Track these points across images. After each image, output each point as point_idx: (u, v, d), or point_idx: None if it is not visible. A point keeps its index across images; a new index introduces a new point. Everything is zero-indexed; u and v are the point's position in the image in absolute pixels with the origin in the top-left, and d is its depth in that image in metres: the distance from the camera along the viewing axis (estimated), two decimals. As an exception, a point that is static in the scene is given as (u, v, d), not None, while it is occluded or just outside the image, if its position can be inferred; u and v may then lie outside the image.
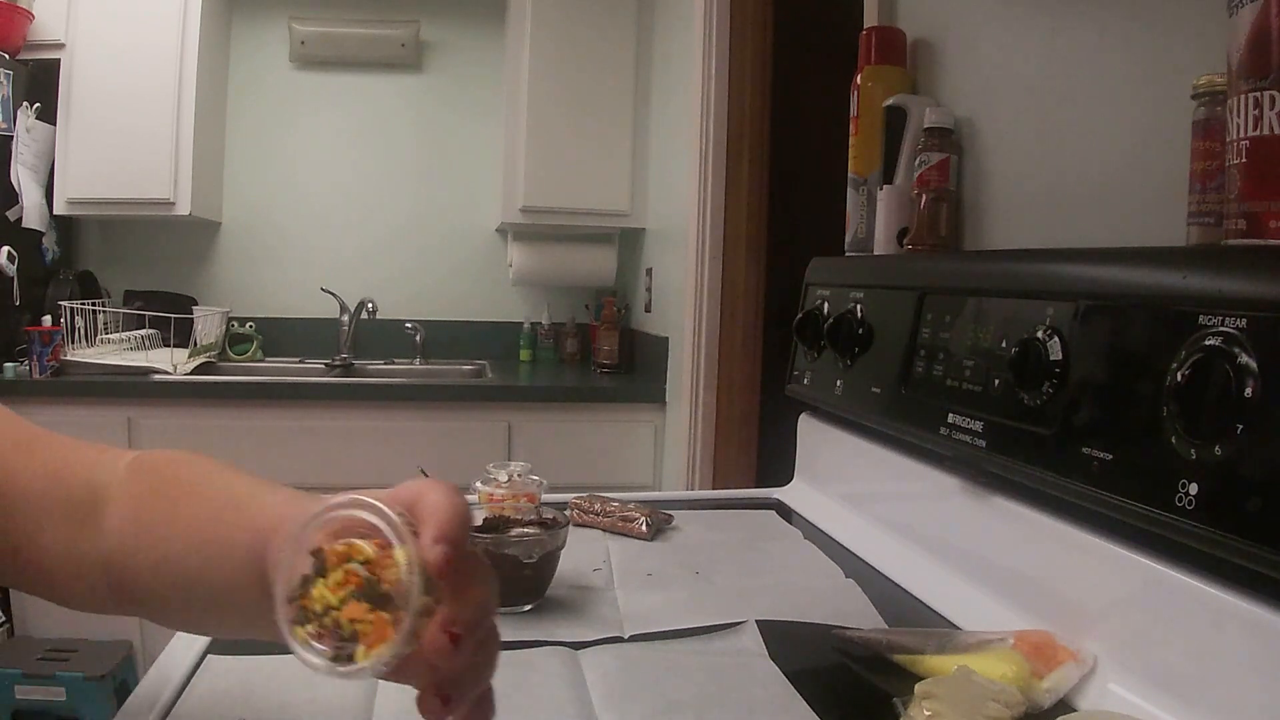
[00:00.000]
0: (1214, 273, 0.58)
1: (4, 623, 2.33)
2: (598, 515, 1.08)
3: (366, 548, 0.39)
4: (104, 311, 2.74)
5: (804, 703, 0.65)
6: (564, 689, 0.66)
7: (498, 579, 0.43)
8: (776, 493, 1.27)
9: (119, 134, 2.67)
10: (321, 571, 0.39)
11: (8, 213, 2.53)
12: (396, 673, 0.40)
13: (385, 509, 0.40)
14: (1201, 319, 0.57)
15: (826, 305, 1.15)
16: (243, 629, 0.49)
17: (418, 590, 0.38)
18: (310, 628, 0.39)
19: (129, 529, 0.51)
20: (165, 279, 3.04)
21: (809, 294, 1.21)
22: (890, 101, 1.18)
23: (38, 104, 2.62)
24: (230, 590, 0.47)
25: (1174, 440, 0.57)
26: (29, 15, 2.62)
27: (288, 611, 0.39)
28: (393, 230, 3.18)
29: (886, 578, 0.94)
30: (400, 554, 0.39)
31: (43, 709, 2.22)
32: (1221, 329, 0.55)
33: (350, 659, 0.38)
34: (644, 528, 1.05)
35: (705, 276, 2.25)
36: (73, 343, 2.55)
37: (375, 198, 3.17)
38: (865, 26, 1.32)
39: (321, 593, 0.39)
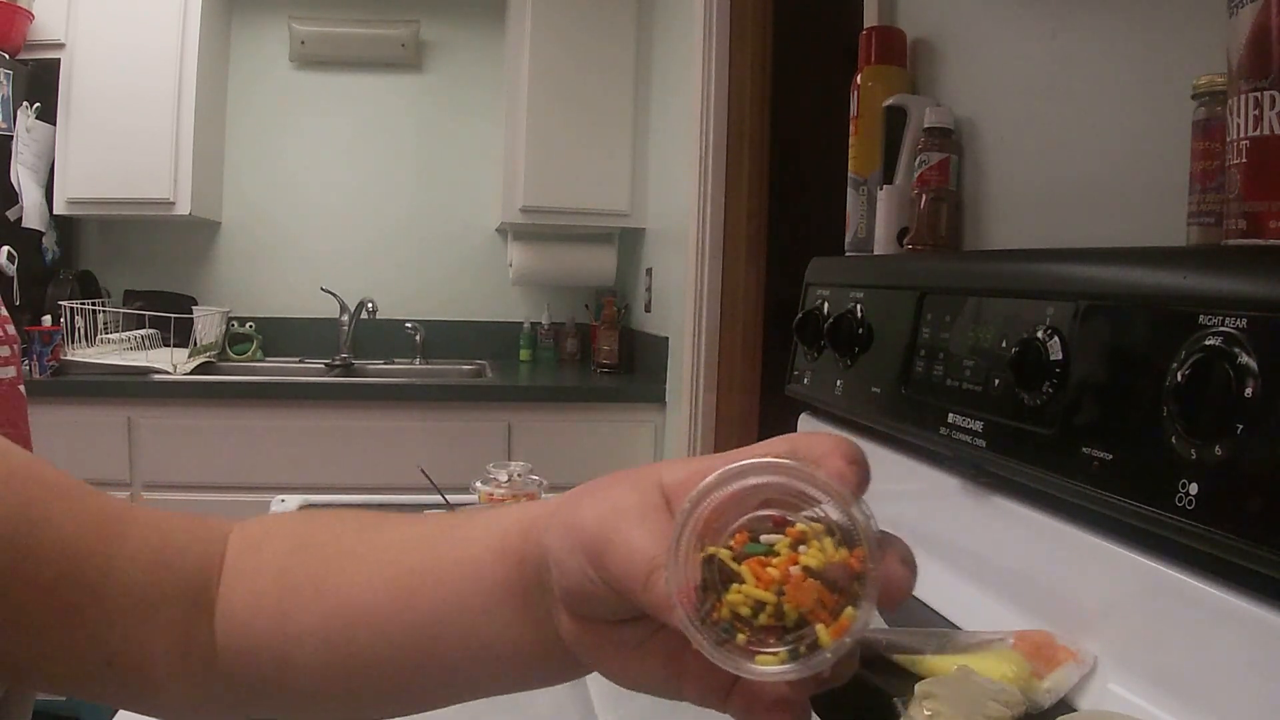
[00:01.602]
0: (1214, 273, 0.58)
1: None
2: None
3: (768, 514, 0.33)
4: (104, 311, 2.74)
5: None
6: (564, 689, 0.66)
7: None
8: (776, 493, 1.27)
9: (119, 134, 2.67)
10: (725, 575, 0.32)
11: (8, 213, 2.53)
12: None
13: (780, 461, 0.33)
14: (1201, 319, 0.57)
15: (826, 305, 1.15)
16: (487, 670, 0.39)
17: (860, 514, 0.32)
18: (741, 638, 0.32)
19: (268, 604, 0.42)
20: (165, 279, 3.04)
21: (809, 294, 1.21)
22: (890, 101, 1.18)
23: (38, 104, 2.62)
24: (468, 612, 0.38)
25: (1174, 440, 0.57)
26: (29, 15, 2.62)
27: (707, 635, 0.32)
28: (393, 230, 3.18)
29: (886, 578, 0.94)
30: (823, 494, 0.32)
31: (42, 709, 2.22)
32: (1221, 329, 0.55)
33: (814, 647, 0.31)
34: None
35: (705, 276, 2.25)
36: (73, 342, 2.55)
37: (375, 198, 3.17)
38: (865, 26, 1.32)
39: (742, 594, 0.32)
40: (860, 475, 0.33)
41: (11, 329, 1.49)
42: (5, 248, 2.46)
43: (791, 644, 0.32)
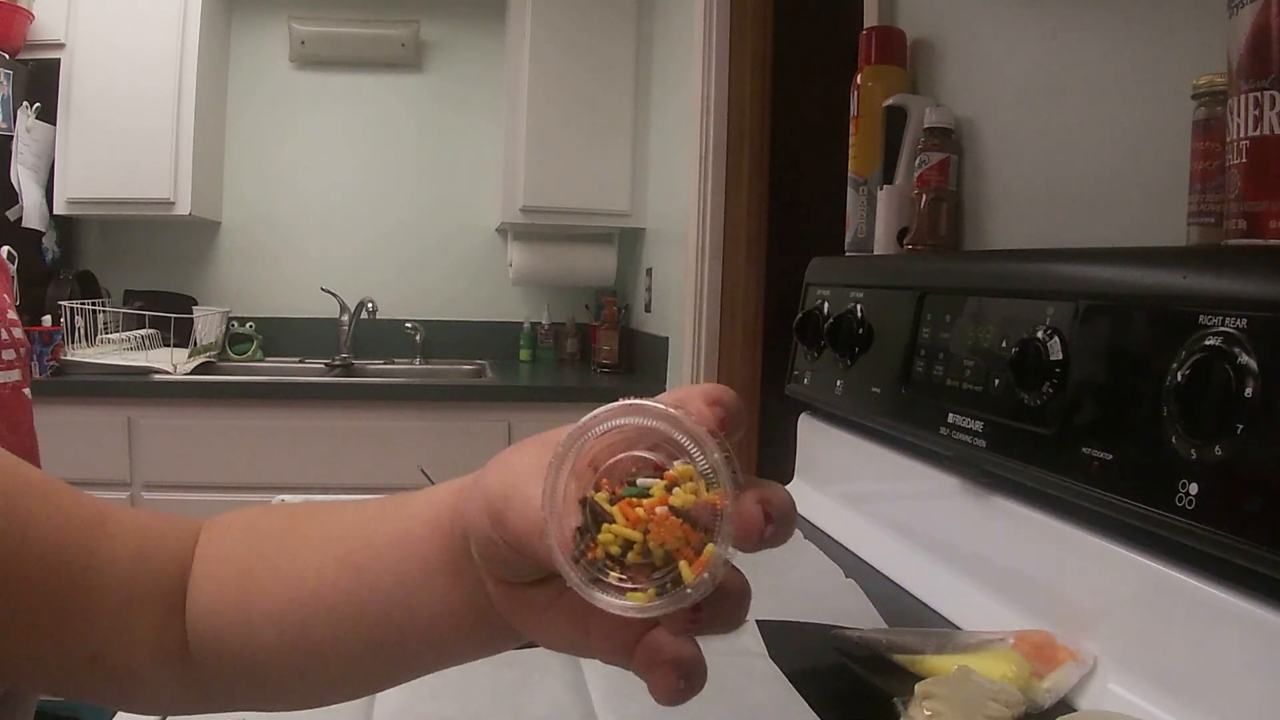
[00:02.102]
0: (1214, 273, 0.58)
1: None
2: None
3: (646, 457, 0.34)
4: (104, 311, 2.74)
5: (804, 703, 0.65)
6: (564, 689, 0.66)
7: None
8: (776, 493, 1.27)
9: (119, 134, 2.67)
10: (599, 516, 0.33)
11: (8, 213, 2.53)
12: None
13: (648, 402, 0.34)
14: (1201, 319, 0.57)
15: (826, 305, 1.15)
16: (428, 638, 0.40)
17: (719, 455, 0.32)
18: (614, 575, 0.33)
19: (229, 592, 0.43)
20: (165, 279, 3.04)
21: (809, 294, 1.21)
22: (890, 101, 1.18)
23: (38, 104, 2.62)
24: (406, 586, 0.39)
25: (1174, 440, 0.57)
26: (29, 15, 2.62)
27: (579, 572, 0.33)
28: (393, 230, 3.18)
29: (886, 578, 0.94)
30: (682, 435, 0.33)
31: (42, 708, 2.22)
32: (1221, 329, 0.55)
33: (678, 583, 0.32)
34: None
35: (705, 276, 2.25)
36: (73, 343, 2.55)
37: (375, 198, 3.17)
38: (865, 26, 1.32)
39: (611, 534, 0.33)
40: (720, 415, 0.34)
41: (20, 333, 1.49)
42: (5, 248, 2.45)
43: (658, 583, 0.32)
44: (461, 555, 0.38)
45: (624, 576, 0.33)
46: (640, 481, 0.34)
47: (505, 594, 0.37)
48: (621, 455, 0.34)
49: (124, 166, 2.68)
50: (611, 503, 0.33)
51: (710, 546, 0.32)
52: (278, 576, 0.42)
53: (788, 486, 1.44)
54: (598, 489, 0.34)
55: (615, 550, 0.33)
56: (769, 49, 2.27)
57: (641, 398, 0.34)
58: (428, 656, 0.42)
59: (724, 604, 0.33)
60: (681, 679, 0.33)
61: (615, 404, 0.34)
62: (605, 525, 0.33)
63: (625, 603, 0.33)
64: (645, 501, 0.33)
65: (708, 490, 0.33)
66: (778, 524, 0.33)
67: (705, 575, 0.32)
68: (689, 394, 0.35)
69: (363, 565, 0.41)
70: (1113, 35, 0.90)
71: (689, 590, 0.32)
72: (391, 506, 0.42)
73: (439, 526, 0.39)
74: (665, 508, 0.32)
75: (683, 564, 0.32)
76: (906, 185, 1.14)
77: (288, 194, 3.13)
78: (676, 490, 0.33)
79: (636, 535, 0.32)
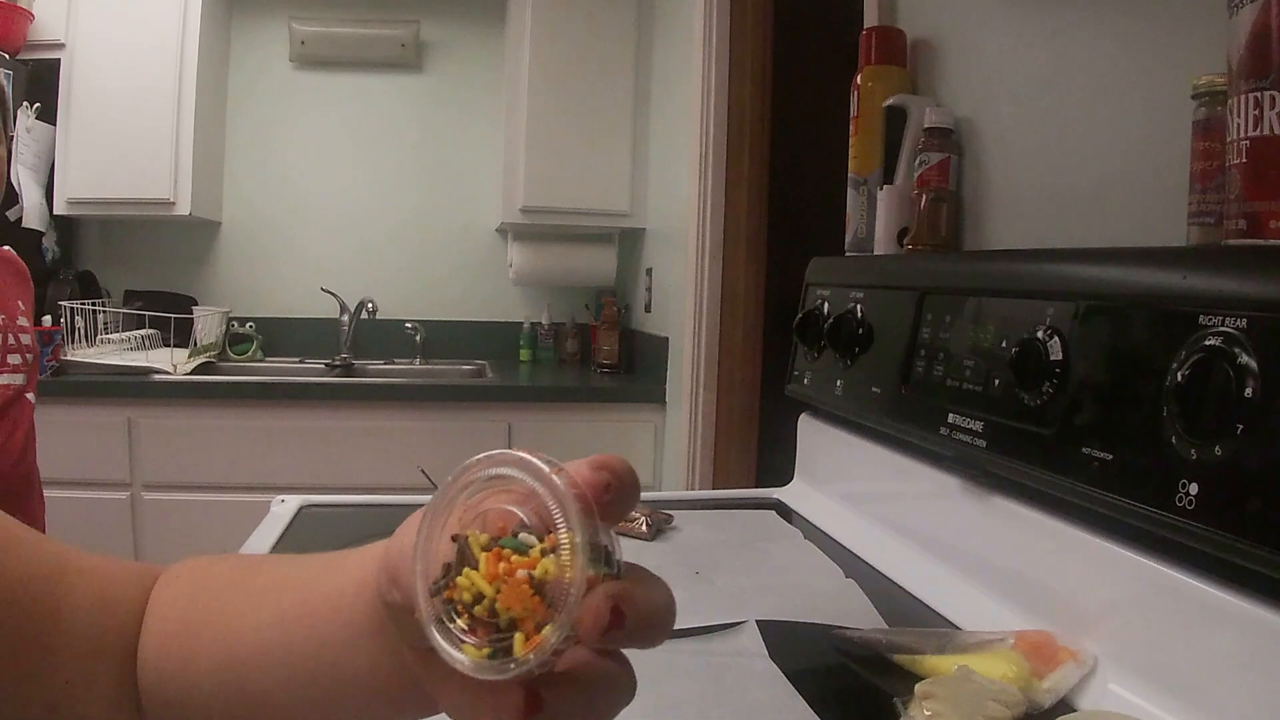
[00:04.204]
0: (1214, 273, 0.58)
1: None
2: (598, 515, 1.08)
3: (521, 516, 0.32)
4: (104, 311, 2.74)
5: (804, 703, 0.65)
6: None
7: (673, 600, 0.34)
8: (776, 493, 1.27)
9: (119, 134, 2.67)
10: (466, 558, 0.32)
11: (8, 213, 2.53)
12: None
13: (529, 456, 0.32)
14: (1201, 319, 0.57)
15: (826, 305, 1.15)
16: (358, 699, 0.40)
17: (581, 538, 0.31)
18: (461, 622, 0.32)
19: (172, 642, 0.43)
20: (165, 279, 3.04)
21: (809, 294, 1.21)
22: (890, 101, 1.18)
23: (38, 104, 2.62)
24: (332, 647, 0.39)
25: (1174, 440, 0.57)
26: (29, 15, 2.62)
27: (431, 607, 0.32)
28: (393, 230, 3.18)
29: (886, 578, 0.94)
30: (553, 500, 0.32)
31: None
32: (1221, 329, 0.55)
33: (509, 653, 0.31)
34: (644, 528, 1.05)
35: (705, 276, 2.25)
36: (73, 343, 2.55)
37: (375, 198, 3.17)
38: (865, 26, 1.32)
39: (469, 580, 0.32)
40: (604, 480, 0.32)
41: (29, 339, 1.50)
42: (5, 248, 2.46)
43: (495, 644, 0.31)
44: (383, 618, 0.38)
45: (467, 627, 0.32)
46: (523, 536, 0.32)
47: (423, 663, 0.36)
48: (512, 506, 0.33)
49: (124, 166, 2.68)
50: (485, 548, 0.32)
51: (547, 628, 0.31)
52: (216, 629, 0.42)
53: (788, 486, 1.44)
54: (484, 530, 0.33)
55: (468, 598, 0.32)
56: (769, 49, 2.27)
57: (529, 451, 0.33)
58: (360, 715, 0.41)
59: (573, 695, 0.31)
60: None
61: (499, 452, 0.33)
62: (466, 570, 0.32)
63: (455, 653, 0.32)
64: (514, 559, 0.32)
65: (583, 567, 0.31)
66: (631, 630, 0.31)
67: (530, 656, 0.30)
68: (582, 460, 0.33)
69: (295, 624, 0.41)
70: (1113, 35, 0.90)
71: (512, 665, 0.31)
72: (329, 564, 0.42)
73: (364, 587, 0.38)
74: (525, 573, 0.31)
75: (518, 636, 0.31)
76: (906, 185, 1.14)
77: (288, 194, 3.13)
78: (547, 558, 0.31)
79: (489, 591, 0.31)
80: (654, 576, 0.34)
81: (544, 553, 0.31)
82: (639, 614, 0.31)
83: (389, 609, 0.36)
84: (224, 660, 0.42)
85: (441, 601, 0.32)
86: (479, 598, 0.31)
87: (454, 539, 0.33)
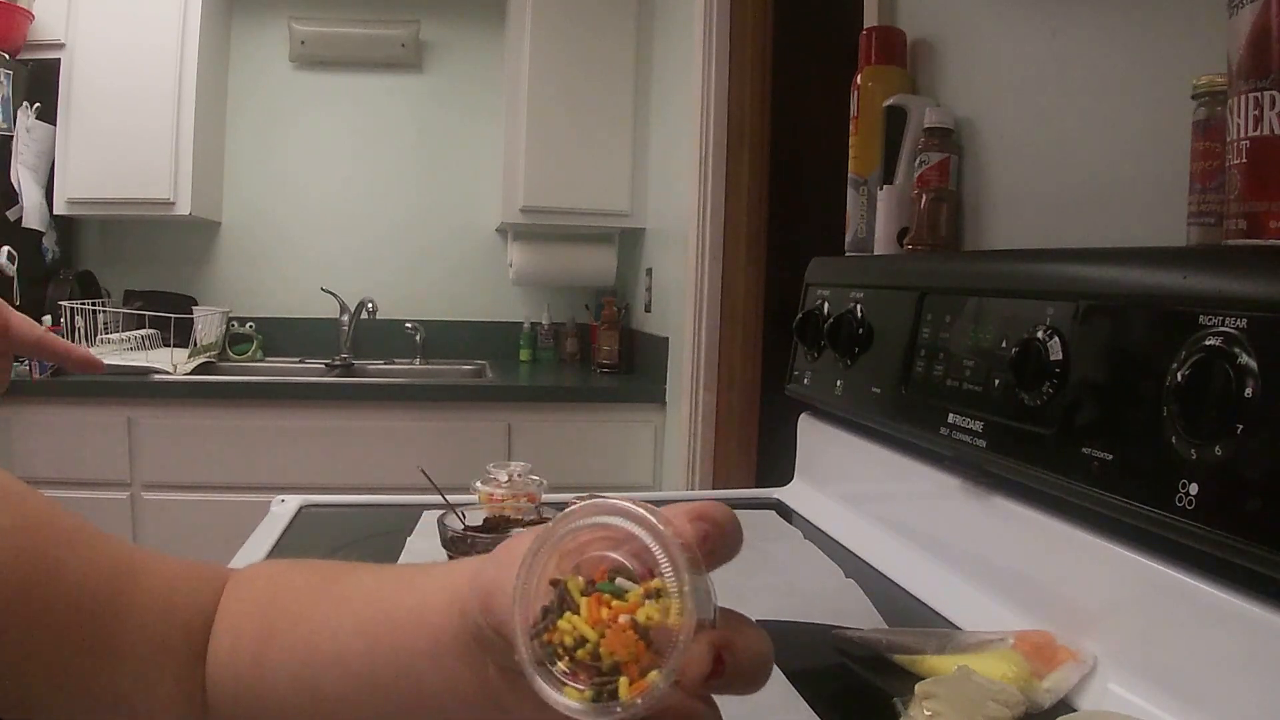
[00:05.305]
0: (1214, 273, 0.58)
1: None
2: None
3: (620, 559, 0.33)
4: (104, 311, 2.74)
5: (804, 703, 0.65)
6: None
7: (772, 648, 0.35)
8: (776, 493, 1.27)
9: (119, 134, 2.67)
10: (566, 603, 0.33)
11: (8, 213, 2.53)
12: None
13: (634, 505, 0.33)
14: (1201, 319, 0.57)
15: (826, 305, 1.15)
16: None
17: (689, 587, 0.31)
18: (563, 665, 0.32)
19: (248, 644, 0.44)
20: (165, 279, 3.04)
21: (809, 294, 1.21)
22: (890, 101, 1.18)
23: (38, 104, 2.62)
24: (414, 657, 0.40)
25: (1174, 440, 0.57)
26: (29, 15, 2.62)
27: (531, 650, 0.33)
28: (393, 230, 3.18)
29: (886, 578, 0.94)
30: (658, 547, 0.32)
31: None
32: (1221, 329, 0.55)
33: (614, 696, 0.31)
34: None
35: (705, 276, 2.25)
36: (73, 343, 2.55)
37: (375, 198, 3.17)
38: (865, 26, 1.32)
39: (570, 624, 0.32)
40: (704, 531, 0.33)
41: None
42: (5, 248, 2.46)
43: (598, 687, 0.32)
44: (470, 637, 0.39)
45: (569, 670, 0.32)
46: (620, 581, 0.33)
47: (507, 682, 0.37)
48: (608, 551, 0.34)
49: (124, 166, 2.67)
50: (584, 593, 0.33)
51: (653, 674, 0.31)
52: (295, 634, 0.43)
53: (788, 486, 1.43)
54: (580, 574, 0.34)
55: (569, 642, 0.32)
56: (769, 49, 2.27)
57: (634, 501, 0.33)
58: None
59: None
60: None
61: (605, 499, 0.34)
62: (568, 614, 0.33)
63: (558, 696, 0.32)
64: (615, 604, 0.32)
65: (680, 614, 0.31)
66: (731, 678, 0.32)
67: (637, 700, 0.31)
68: (680, 508, 0.34)
69: (377, 633, 0.42)
70: (1113, 35, 0.90)
71: (619, 708, 0.31)
72: (411, 578, 0.43)
73: (451, 606, 0.40)
74: (629, 617, 0.32)
75: (623, 680, 0.31)
76: (906, 185, 1.14)
77: (288, 194, 3.13)
78: (648, 603, 0.32)
79: (593, 635, 0.32)
80: (753, 624, 0.35)
81: (645, 596, 0.32)
82: (738, 663, 0.32)
83: (477, 629, 0.37)
84: (301, 665, 0.43)
85: (541, 644, 0.33)
86: (581, 641, 0.32)
87: (552, 583, 0.34)
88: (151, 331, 2.80)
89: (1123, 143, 0.88)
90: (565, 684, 0.32)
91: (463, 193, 3.20)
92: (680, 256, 2.40)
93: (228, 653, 0.44)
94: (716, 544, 0.33)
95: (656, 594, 0.32)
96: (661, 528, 0.32)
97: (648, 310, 2.88)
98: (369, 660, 0.41)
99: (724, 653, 0.32)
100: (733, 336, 2.26)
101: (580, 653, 0.32)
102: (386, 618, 0.42)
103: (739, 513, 0.35)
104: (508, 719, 0.40)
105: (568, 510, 0.34)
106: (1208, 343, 0.55)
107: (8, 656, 0.39)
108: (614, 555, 0.34)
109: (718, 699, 0.34)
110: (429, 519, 1.09)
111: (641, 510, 0.33)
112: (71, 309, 2.56)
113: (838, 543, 1.06)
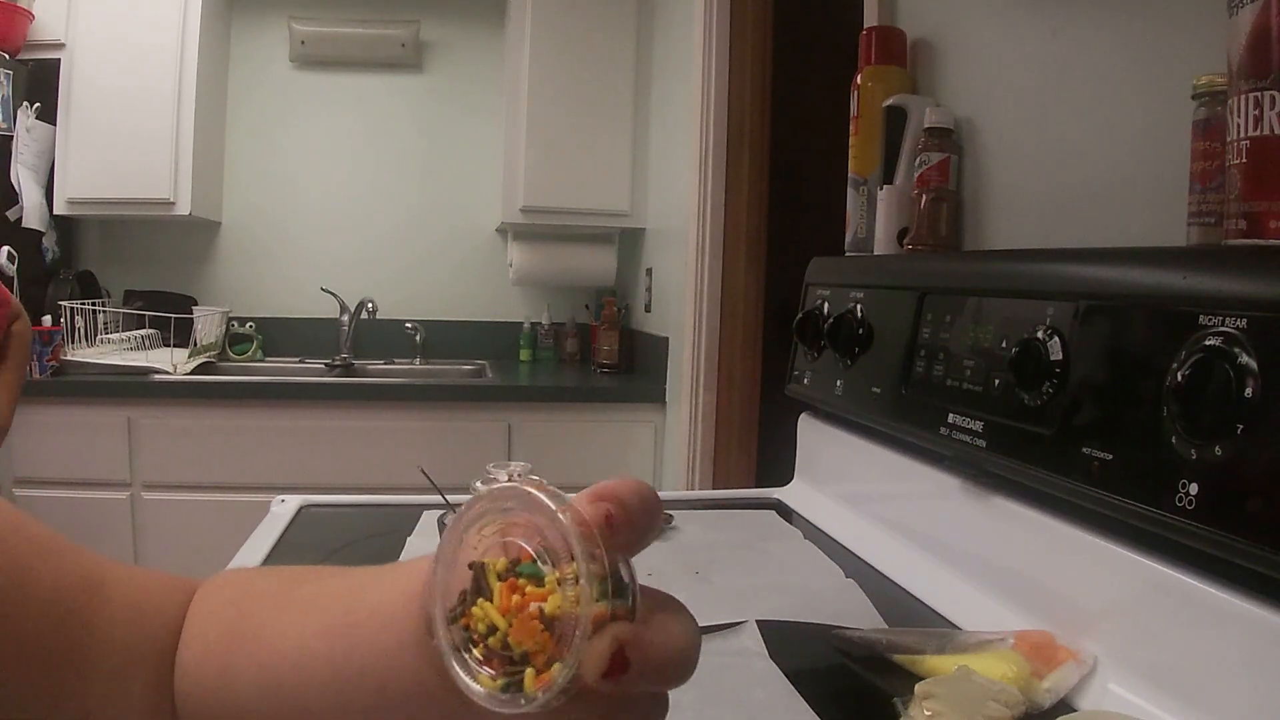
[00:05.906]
0: (1214, 273, 0.58)
1: None
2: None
3: (539, 543, 0.32)
4: (104, 311, 2.74)
5: (804, 703, 0.65)
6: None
7: (698, 630, 0.33)
8: (776, 493, 1.27)
9: (119, 134, 2.67)
10: (482, 589, 0.32)
11: (8, 213, 2.53)
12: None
13: (535, 491, 0.32)
14: (1201, 319, 0.57)
15: (826, 305, 1.15)
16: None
17: (586, 578, 0.30)
18: (477, 652, 0.32)
19: (214, 651, 0.43)
20: (165, 279, 3.04)
21: (809, 294, 1.21)
22: (890, 101, 1.18)
23: (38, 104, 2.62)
24: (378, 657, 0.39)
25: (1174, 440, 0.57)
26: (29, 15, 2.62)
27: (448, 635, 0.32)
28: (393, 230, 3.18)
29: (886, 578, 0.94)
30: (554, 533, 0.31)
31: None
32: (1221, 329, 0.55)
33: (520, 687, 0.31)
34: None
35: (705, 276, 2.25)
36: (73, 343, 2.55)
37: (375, 198, 3.17)
38: (865, 26, 1.32)
39: (483, 610, 0.32)
40: (605, 512, 0.31)
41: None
42: (5, 248, 2.46)
43: (509, 676, 0.31)
44: (427, 632, 0.38)
45: (482, 657, 0.32)
46: (542, 565, 0.32)
47: None
48: (527, 536, 0.33)
49: (124, 166, 2.68)
50: (502, 577, 0.32)
51: (555, 666, 0.30)
52: (260, 639, 0.43)
53: (788, 486, 1.44)
54: (505, 556, 0.32)
55: (481, 629, 0.32)
56: (769, 49, 2.27)
57: (538, 485, 0.32)
58: None
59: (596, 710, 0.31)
60: None
61: (507, 486, 0.33)
62: (481, 600, 0.32)
63: (470, 682, 0.31)
64: (530, 590, 0.31)
65: (593, 601, 0.30)
66: (640, 672, 0.30)
67: (539, 694, 0.30)
68: (589, 489, 0.33)
69: (339, 633, 0.41)
70: (1113, 35, 0.90)
71: (523, 701, 0.30)
72: (377, 577, 0.42)
73: (410, 602, 0.39)
74: (537, 606, 0.31)
75: (529, 672, 0.30)
76: (906, 185, 1.14)
77: (288, 194, 3.13)
78: (559, 591, 0.31)
79: (501, 624, 0.31)
80: (680, 614, 0.33)
81: (559, 582, 0.31)
82: (647, 660, 0.30)
83: (430, 622, 0.37)
84: (266, 670, 0.42)
85: (459, 629, 0.32)
86: (492, 629, 0.31)
87: (470, 566, 0.33)
88: (151, 331, 2.80)
89: (1123, 143, 0.88)
90: (478, 671, 0.32)
91: (463, 193, 3.20)
92: (680, 256, 2.40)
93: (195, 662, 0.43)
94: (622, 525, 0.32)
95: (573, 580, 0.31)
96: (557, 512, 0.31)
97: (648, 310, 2.88)
98: (330, 661, 0.40)
99: (628, 649, 0.30)
100: (733, 336, 2.26)
101: (492, 640, 0.31)
102: (349, 617, 0.41)
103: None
104: (475, 717, 0.40)
105: (478, 493, 0.34)
106: (1208, 343, 0.55)
107: None
108: (531, 540, 0.32)
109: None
110: (429, 519, 1.09)
111: (541, 496, 0.31)
112: (71, 309, 2.56)
113: (838, 543, 1.06)
